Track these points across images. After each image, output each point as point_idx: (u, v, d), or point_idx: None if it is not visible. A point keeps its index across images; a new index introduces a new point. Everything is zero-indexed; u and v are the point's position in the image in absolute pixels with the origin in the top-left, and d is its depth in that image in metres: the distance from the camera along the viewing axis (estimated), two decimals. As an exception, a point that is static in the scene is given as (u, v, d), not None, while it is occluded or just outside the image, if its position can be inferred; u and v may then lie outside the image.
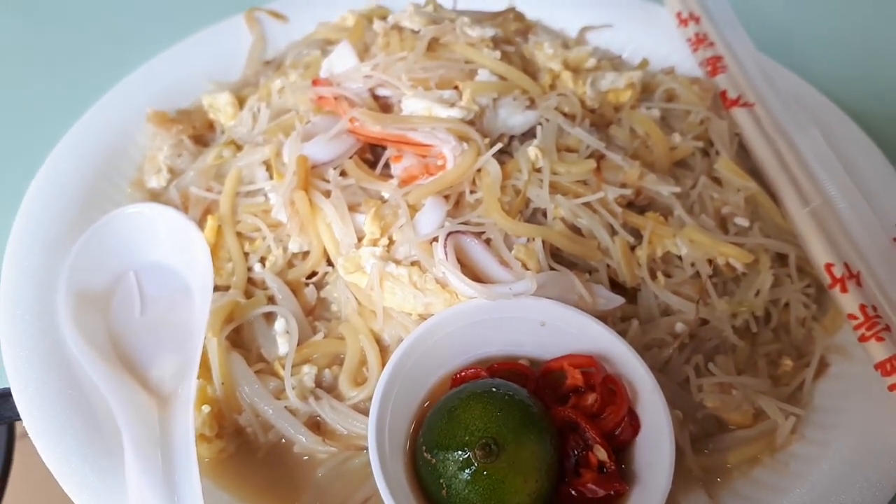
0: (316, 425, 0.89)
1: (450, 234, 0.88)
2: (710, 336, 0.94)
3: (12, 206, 1.03)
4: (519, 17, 1.28)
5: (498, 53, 1.07)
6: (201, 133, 1.20)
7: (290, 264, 0.99)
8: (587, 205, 0.95)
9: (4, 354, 0.89)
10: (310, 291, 0.98)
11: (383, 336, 0.92)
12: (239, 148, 1.10)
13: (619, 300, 0.91)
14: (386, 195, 0.96)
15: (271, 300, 0.96)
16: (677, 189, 1.00)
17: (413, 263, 0.90)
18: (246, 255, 1.00)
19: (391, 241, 0.93)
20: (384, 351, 0.90)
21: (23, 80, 1.43)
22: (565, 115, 1.04)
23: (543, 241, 0.91)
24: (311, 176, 0.96)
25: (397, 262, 0.90)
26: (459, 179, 0.94)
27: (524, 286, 0.85)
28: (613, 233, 0.95)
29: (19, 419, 0.86)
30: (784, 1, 1.63)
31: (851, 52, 1.51)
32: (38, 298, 0.94)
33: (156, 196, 1.12)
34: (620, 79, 1.13)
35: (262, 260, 1.00)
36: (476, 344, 0.88)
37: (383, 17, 1.19)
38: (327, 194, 0.96)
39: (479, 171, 0.95)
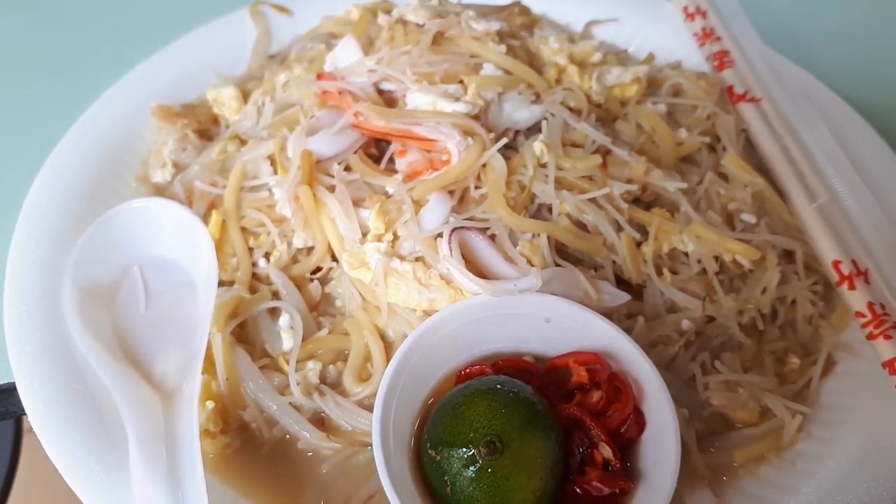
0: (320, 421, 0.89)
1: (454, 229, 0.88)
2: (717, 333, 0.94)
3: (17, 200, 1.03)
4: (524, 11, 1.27)
5: (503, 47, 1.07)
6: (206, 127, 1.20)
7: (294, 259, 0.99)
8: (593, 200, 0.95)
9: (10, 349, 0.89)
10: (314, 287, 0.98)
11: (388, 332, 0.92)
12: (243, 142, 1.10)
13: (624, 297, 0.91)
14: (390, 190, 0.96)
15: (276, 295, 0.96)
16: (684, 185, 1.00)
17: (417, 259, 0.90)
18: (250, 250, 1.00)
19: (395, 237, 0.92)
20: (388, 347, 0.90)
21: (27, 77, 1.43)
22: (571, 109, 1.04)
23: (549, 237, 0.91)
24: (316, 171, 0.96)
25: (402, 258, 0.90)
26: (464, 174, 0.94)
27: (529, 282, 0.84)
28: (619, 229, 0.95)
29: (24, 414, 0.86)
30: (791, -5, 1.62)
31: (859, 47, 1.50)
32: (43, 293, 0.94)
33: (160, 190, 1.12)
34: (626, 73, 1.13)
35: (267, 255, 0.99)
36: (481, 340, 0.88)
37: (388, 11, 1.18)
38: (332, 189, 0.95)
39: (483, 166, 0.95)
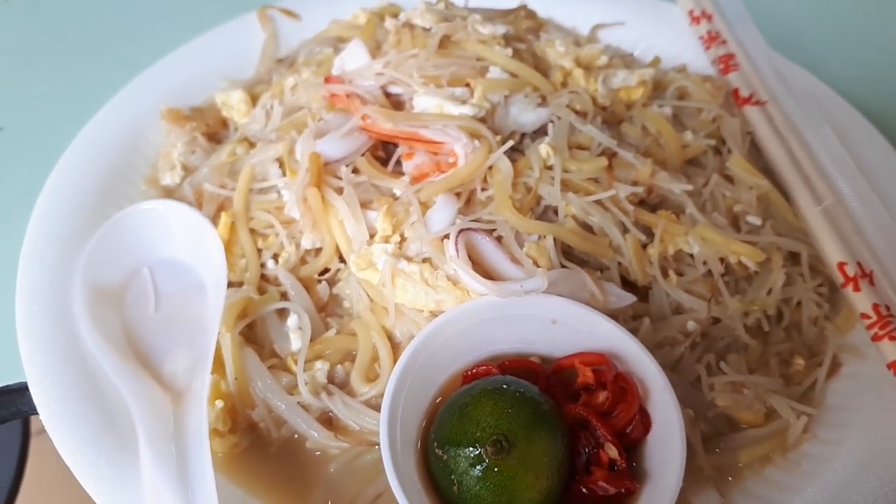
0: (328, 421, 0.89)
1: (461, 231, 0.88)
2: (722, 335, 0.94)
3: (29, 203, 1.04)
4: (530, 14, 1.28)
5: (509, 51, 1.08)
6: (215, 130, 1.21)
7: (302, 261, 1.00)
8: (599, 202, 0.95)
9: (21, 348, 0.90)
10: (322, 288, 0.98)
11: (395, 333, 0.92)
12: (252, 145, 1.10)
13: (630, 298, 0.91)
14: (398, 192, 0.96)
15: (284, 296, 0.96)
16: (689, 187, 1.00)
17: (424, 260, 0.91)
18: (259, 251, 1.01)
19: (403, 238, 0.93)
20: (396, 347, 0.91)
21: (38, 81, 1.44)
22: (577, 112, 1.05)
23: (555, 239, 0.92)
24: (324, 173, 0.97)
25: (409, 259, 0.90)
26: (471, 177, 0.94)
27: (535, 283, 0.85)
28: (625, 231, 0.95)
29: (34, 413, 0.86)
30: (797, -2, 1.63)
31: (864, 50, 1.50)
32: (54, 294, 0.95)
33: (170, 193, 1.13)
34: (632, 76, 1.13)
35: (276, 256, 1.00)
36: (487, 341, 0.88)
37: (395, 15, 1.19)
38: (340, 191, 0.96)
39: (490, 168, 0.95)
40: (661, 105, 1.13)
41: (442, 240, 0.90)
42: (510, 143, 0.96)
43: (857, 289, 0.95)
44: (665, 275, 0.95)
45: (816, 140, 1.10)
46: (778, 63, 1.23)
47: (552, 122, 1.02)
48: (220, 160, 1.09)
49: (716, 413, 0.90)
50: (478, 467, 0.73)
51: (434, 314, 0.89)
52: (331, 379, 0.91)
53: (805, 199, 1.04)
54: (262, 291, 0.97)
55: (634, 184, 0.98)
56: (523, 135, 1.04)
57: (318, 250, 0.99)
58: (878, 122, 1.17)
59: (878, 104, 1.28)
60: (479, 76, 1.05)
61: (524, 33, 1.19)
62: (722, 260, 0.97)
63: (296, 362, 0.90)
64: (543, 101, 1.05)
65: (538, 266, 0.88)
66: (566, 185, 0.96)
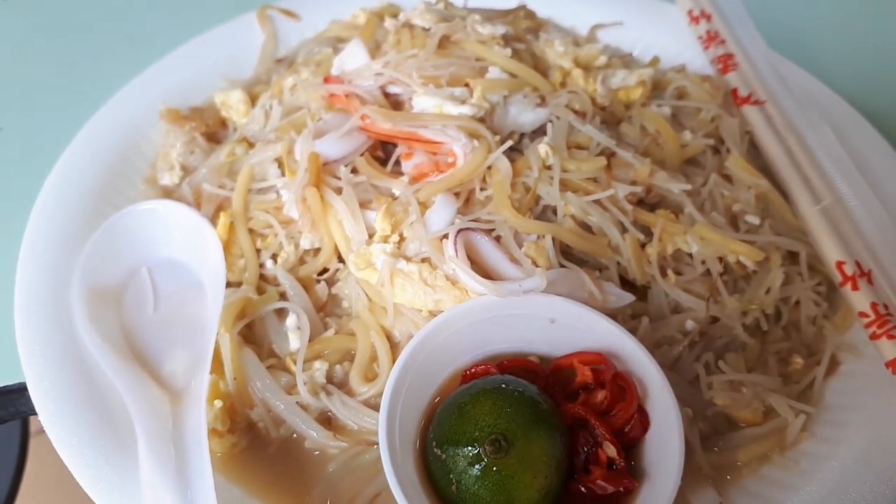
0: (327, 421, 0.89)
1: (460, 230, 0.88)
2: (721, 334, 0.94)
3: (27, 203, 1.04)
4: (530, 14, 1.28)
5: (508, 51, 1.08)
6: (214, 130, 1.21)
7: (301, 261, 1.00)
8: (597, 202, 0.95)
9: (20, 349, 0.90)
10: (321, 288, 0.98)
11: (394, 332, 0.92)
12: (251, 145, 1.10)
13: (629, 297, 0.91)
14: (397, 192, 0.96)
15: (283, 296, 0.96)
16: (688, 186, 1.00)
17: (423, 260, 0.91)
18: (258, 251, 1.01)
19: (402, 238, 0.93)
20: (395, 347, 0.91)
21: (37, 81, 1.44)
22: (576, 112, 1.04)
23: (553, 239, 0.92)
24: (323, 173, 0.97)
25: (408, 259, 0.91)
26: (470, 177, 0.94)
27: (534, 283, 0.85)
28: (624, 230, 0.95)
29: (33, 414, 0.87)
30: (796, -2, 1.63)
31: (863, 50, 1.50)
32: (53, 294, 0.95)
33: (169, 193, 1.13)
34: (631, 76, 1.13)
35: (274, 256, 1.00)
36: (486, 341, 0.88)
37: (394, 15, 1.19)
38: (338, 191, 0.96)
39: (489, 168, 0.95)
40: (660, 105, 1.13)
41: (441, 239, 0.90)
42: (509, 142, 0.96)
43: (855, 288, 0.96)
44: (664, 274, 0.95)
45: (815, 140, 1.10)
46: (777, 63, 1.23)
47: (551, 121, 1.02)
48: (219, 160, 1.09)
49: (714, 412, 0.90)
50: (476, 466, 0.73)
51: (433, 314, 0.89)
52: (329, 379, 0.91)
53: (804, 199, 1.05)
54: (260, 291, 0.97)
55: (633, 183, 0.98)
56: (522, 135, 1.04)
57: (317, 250, 0.99)
58: (876, 121, 1.17)
59: (878, 104, 1.28)
60: (478, 76, 1.05)
61: (523, 33, 1.19)
62: (721, 259, 0.97)
63: (294, 362, 0.90)
64: (542, 101, 1.05)
65: (537, 266, 0.88)
66: (565, 185, 0.96)
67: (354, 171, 0.99)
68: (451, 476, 0.75)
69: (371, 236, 0.94)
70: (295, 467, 0.87)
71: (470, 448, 0.74)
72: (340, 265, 0.98)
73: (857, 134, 1.16)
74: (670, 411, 0.78)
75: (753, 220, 1.01)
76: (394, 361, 0.83)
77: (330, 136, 1.00)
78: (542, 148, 0.96)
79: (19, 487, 1.10)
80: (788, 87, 1.17)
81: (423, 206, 0.93)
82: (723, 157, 1.09)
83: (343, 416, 0.88)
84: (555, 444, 0.76)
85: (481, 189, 0.96)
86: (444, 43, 1.08)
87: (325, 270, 0.99)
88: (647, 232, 0.97)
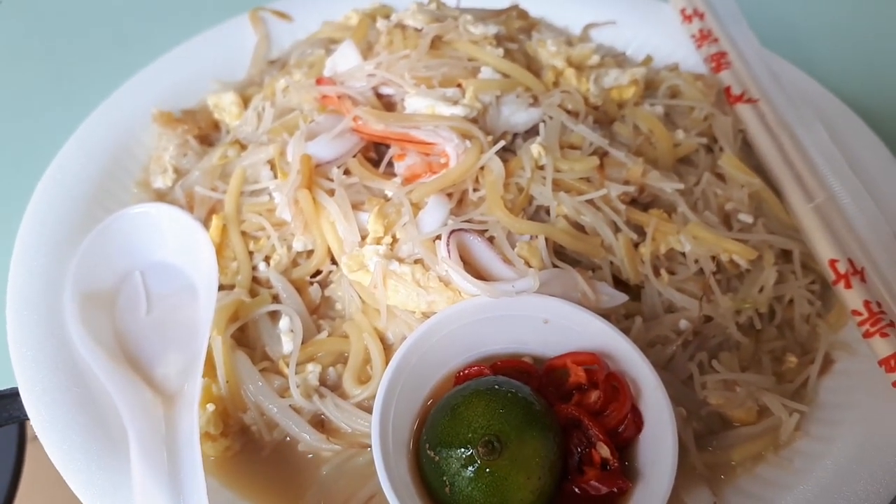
0: (320, 423, 0.89)
1: (453, 231, 0.88)
2: (714, 333, 0.94)
3: (19, 206, 1.04)
4: (522, 14, 1.28)
5: (501, 51, 1.08)
6: (206, 133, 1.21)
7: (294, 263, 0.99)
8: (590, 202, 0.95)
9: (12, 353, 0.90)
10: (314, 290, 0.98)
11: (387, 334, 0.92)
12: (244, 147, 1.10)
13: (622, 297, 0.91)
14: (389, 193, 0.96)
15: (276, 299, 0.96)
16: (681, 186, 1.00)
17: (416, 261, 0.91)
18: (250, 254, 1.00)
19: (394, 240, 0.93)
20: (388, 349, 0.91)
21: (28, 85, 1.44)
22: (568, 112, 1.04)
23: (546, 239, 0.92)
24: (315, 175, 0.97)
25: (401, 261, 0.90)
26: (462, 177, 0.94)
27: (527, 284, 0.85)
28: (617, 230, 0.95)
29: (27, 419, 0.86)
30: (789, -4, 1.63)
31: (856, 48, 1.50)
32: (45, 298, 0.95)
33: (161, 196, 1.13)
34: (624, 75, 1.13)
35: (267, 259, 1.00)
36: (479, 342, 0.88)
37: (386, 16, 1.19)
38: (331, 193, 0.96)
39: (482, 168, 0.95)
40: (653, 104, 1.12)
41: (434, 241, 0.90)
42: (501, 143, 0.96)
43: (848, 286, 0.96)
44: (657, 273, 0.95)
45: (808, 137, 1.10)
46: (770, 61, 1.22)
47: (544, 121, 1.02)
48: (212, 163, 1.09)
49: (708, 411, 0.90)
50: (469, 468, 0.73)
51: (426, 315, 0.89)
52: (323, 381, 0.91)
53: (797, 197, 1.04)
54: (253, 294, 0.97)
55: (626, 183, 0.98)
56: (515, 135, 1.04)
57: (310, 252, 0.99)
58: (869, 118, 1.17)
59: (870, 100, 1.28)
60: (470, 76, 1.05)
61: (516, 33, 1.19)
62: (714, 258, 0.97)
63: (287, 365, 0.89)
64: (535, 101, 1.05)
65: (530, 266, 0.88)
66: (558, 185, 0.96)
67: (347, 172, 0.99)
68: (445, 478, 0.74)
69: (364, 238, 0.94)
70: (288, 471, 0.87)
71: (463, 450, 0.74)
72: (333, 267, 0.98)
73: (849, 131, 1.15)
74: (664, 411, 0.78)
75: (746, 218, 1.01)
76: (387, 363, 0.83)
77: (322, 138, 1.00)
78: (535, 148, 0.96)
79: (16, 492, 1.10)
80: (781, 84, 1.17)
81: (416, 207, 0.93)
82: (716, 156, 1.09)
83: (336, 418, 0.88)
84: (548, 445, 0.76)
85: (474, 190, 0.96)
86: (436, 43, 1.08)
87: (318, 272, 0.99)
88: (641, 231, 0.97)
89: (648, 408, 0.80)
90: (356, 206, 0.96)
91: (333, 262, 0.98)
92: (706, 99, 1.15)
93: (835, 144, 1.09)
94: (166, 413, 0.84)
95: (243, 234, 1.01)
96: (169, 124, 1.18)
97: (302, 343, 0.92)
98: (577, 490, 0.77)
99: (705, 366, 0.92)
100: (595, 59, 1.16)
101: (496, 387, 0.79)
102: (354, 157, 1.00)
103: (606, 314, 0.87)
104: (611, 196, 0.96)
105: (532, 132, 1.03)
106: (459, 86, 1.04)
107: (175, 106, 1.22)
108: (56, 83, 1.43)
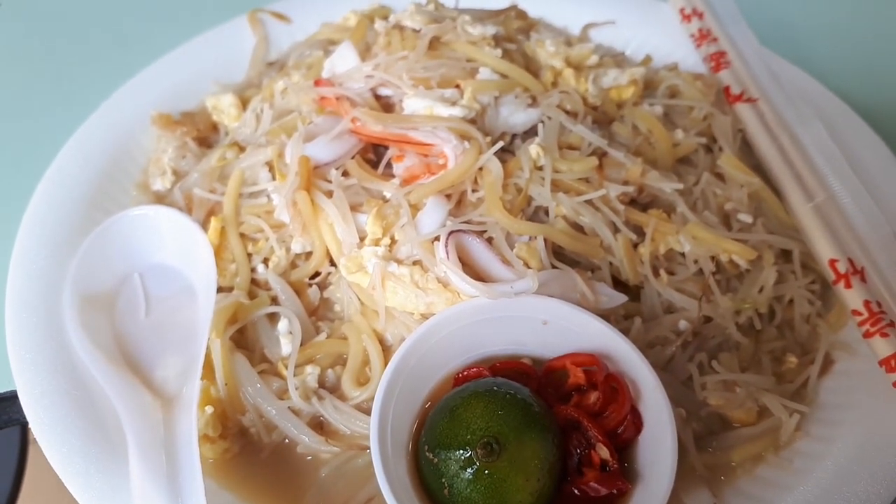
0: (319, 425, 0.89)
1: (451, 233, 0.88)
2: (714, 333, 0.94)
3: (19, 208, 1.04)
4: (521, 14, 1.28)
5: (499, 51, 1.07)
6: (205, 135, 1.21)
7: (293, 265, 0.99)
8: (589, 202, 0.95)
9: (11, 356, 0.90)
10: (313, 292, 0.98)
11: (386, 336, 0.92)
12: (242, 149, 1.10)
13: (621, 298, 0.91)
14: (388, 195, 0.96)
15: (274, 301, 0.96)
16: (680, 186, 1.00)
17: (415, 263, 0.90)
18: (249, 255, 1.00)
19: (393, 241, 0.93)
20: (387, 351, 0.91)
21: (29, 84, 1.44)
22: (567, 112, 1.04)
23: (545, 240, 0.91)
24: (314, 176, 0.97)
25: (399, 262, 0.90)
26: (461, 178, 0.94)
27: (526, 285, 0.85)
28: (616, 230, 0.95)
29: (25, 422, 0.86)
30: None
31: (855, 47, 1.50)
32: (44, 300, 0.95)
33: (160, 198, 1.13)
34: (623, 75, 1.13)
35: (266, 261, 1.00)
36: (478, 343, 0.88)
37: (385, 17, 1.19)
38: (329, 194, 0.96)
39: (480, 169, 0.95)
40: (652, 104, 1.12)
41: (432, 242, 0.89)
42: (500, 144, 0.96)
43: (848, 285, 0.95)
44: (656, 274, 0.95)
45: (807, 136, 1.09)
46: (769, 60, 1.22)
47: (542, 122, 1.02)
48: (211, 165, 1.09)
49: (708, 412, 0.90)
50: (468, 470, 0.73)
51: (425, 317, 0.89)
52: (321, 383, 0.91)
53: (796, 196, 1.04)
54: (252, 296, 0.97)
55: (625, 183, 0.98)
56: (513, 135, 1.04)
57: (309, 254, 0.99)
58: (869, 117, 1.17)
59: (870, 99, 1.28)
60: (468, 77, 1.04)
61: (514, 34, 1.19)
62: (713, 258, 0.97)
63: (286, 367, 0.89)
64: (534, 102, 1.05)
65: (529, 267, 0.88)
66: (556, 186, 0.95)
67: (345, 173, 0.99)
68: (444, 480, 0.74)
69: (362, 239, 0.94)
70: (287, 472, 0.87)
71: (462, 451, 0.74)
72: (332, 269, 0.98)
73: (849, 130, 1.15)
74: (663, 412, 0.78)
75: (746, 218, 1.01)
76: (386, 365, 0.83)
77: (320, 139, 0.99)
78: (534, 148, 0.96)
79: (19, 495, 1.09)
80: (781, 84, 1.17)
81: (415, 208, 0.93)
82: (715, 156, 1.09)
83: (335, 420, 0.88)
84: (547, 447, 0.76)
85: (473, 190, 0.95)
86: (434, 44, 1.08)
87: (316, 274, 0.99)
88: (640, 232, 0.97)
89: (648, 409, 0.80)
90: (355, 208, 0.96)
91: (332, 263, 0.97)
92: (705, 98, 1.15)
93: (834, 144, 1.08)
94: (165, 415, 0.84)
95: (242, 235, 1.01)
96: (168, 126, 1.18)
97: (301, 345, 0.92)
98: (576, 491, 0.76)
99: (705, 366, 0.92)
100: (594, 59, 1.16)
101: (495, 388, 0.79)
102: (353, 158, 1.00)
103: (605, 315, 0.87)
104: (610, 196, 0.96)
105: (531, 133, 1.03)
106: (458, 86, 1.04)
107: (174, 108, 1.21)
108: (56, 84, 1.43)
